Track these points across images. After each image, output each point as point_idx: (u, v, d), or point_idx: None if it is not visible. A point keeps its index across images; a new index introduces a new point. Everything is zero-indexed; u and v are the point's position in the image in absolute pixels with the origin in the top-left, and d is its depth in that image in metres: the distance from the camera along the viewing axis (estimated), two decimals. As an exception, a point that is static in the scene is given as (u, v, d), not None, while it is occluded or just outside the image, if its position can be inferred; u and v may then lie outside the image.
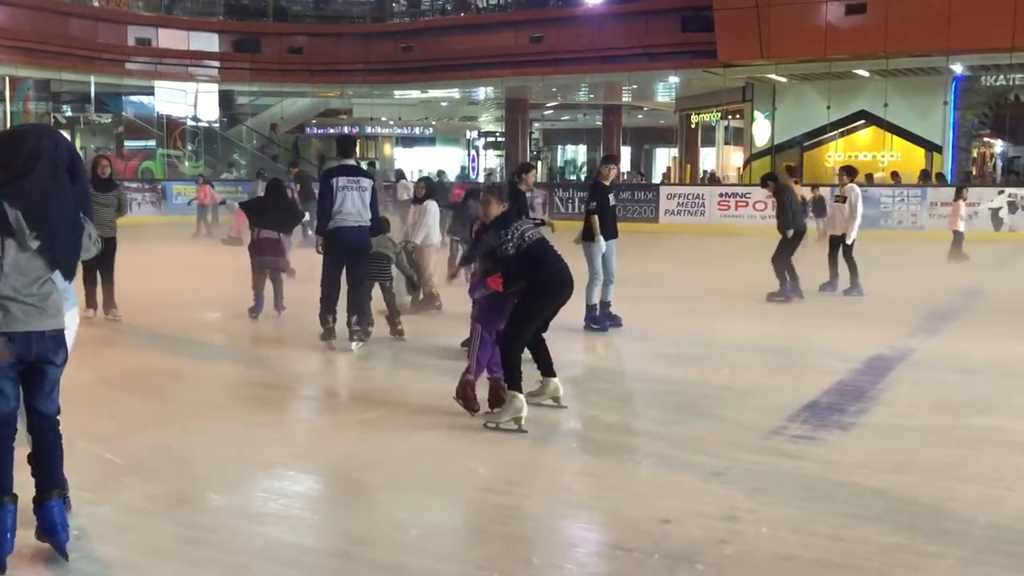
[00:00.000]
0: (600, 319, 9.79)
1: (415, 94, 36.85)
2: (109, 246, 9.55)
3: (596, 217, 9.66)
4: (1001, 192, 22.57)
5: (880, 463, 5.43)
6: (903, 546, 4.21)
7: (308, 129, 40.41)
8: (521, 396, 5.99)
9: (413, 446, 5.80)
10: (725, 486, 5.00)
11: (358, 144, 45.53)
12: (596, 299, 9.79)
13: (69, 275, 4.04)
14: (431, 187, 11.42)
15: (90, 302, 9.94)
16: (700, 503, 4.76)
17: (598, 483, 5.29)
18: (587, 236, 9.75)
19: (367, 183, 8.73)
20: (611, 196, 10.04)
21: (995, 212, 21.70)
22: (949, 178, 26.31)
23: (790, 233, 12.06)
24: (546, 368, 6.49)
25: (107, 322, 9.96)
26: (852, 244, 12.50)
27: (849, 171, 13.09)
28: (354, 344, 8.55)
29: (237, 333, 10.03)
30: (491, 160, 46.90)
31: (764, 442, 5.83)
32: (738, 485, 5.01)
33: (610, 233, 9.83)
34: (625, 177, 33.87)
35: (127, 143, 34.97)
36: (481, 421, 6.16)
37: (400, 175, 25.98)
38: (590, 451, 5.89)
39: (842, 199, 12.66)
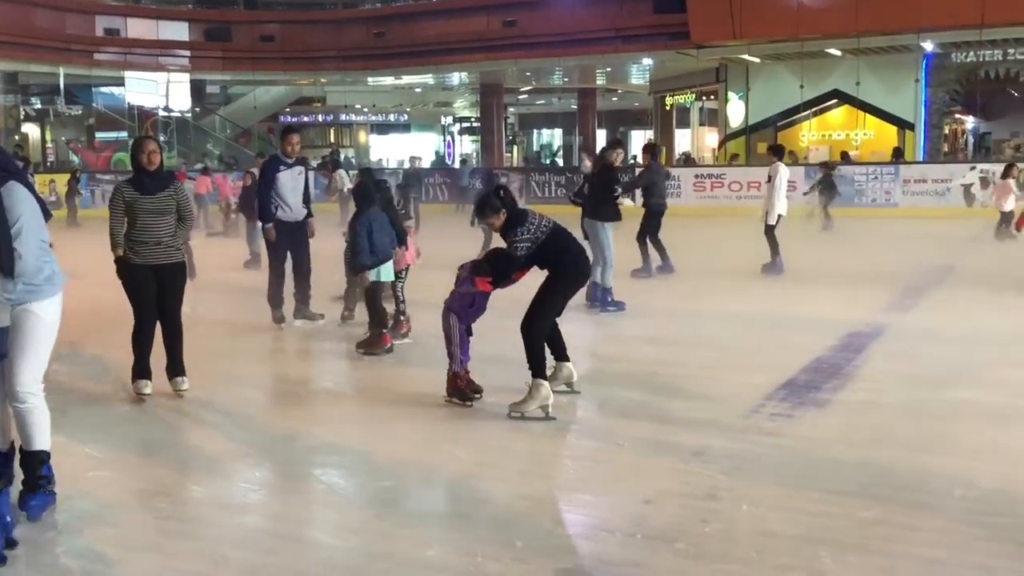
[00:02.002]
0: (608, 302, 9.97)
1: (389, 81, 36.64)
2: (167, 275, 6.55)
3: (628, 196, 9.95)
4: (973, 168, 22.75)
5: (857, 439, 5.49)
6: (881, 520, 4.26)
7: (282, 118, 40.12)
8: (547, 384, 5.97)
9: (392, 433, 5.80)
10: (705, 465, 5.04)
11: (332, 132, 45.47)
12: (611, 281, 10.01)
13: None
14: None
15: (144, 372, 6.66)
16: (680, 483, 4.79)
17: (579, 465, 5.31)
18: (606, 217, 10.00)
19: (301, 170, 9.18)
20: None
21: (967, 188, 21.90)
22: (921, 155, 26.53)
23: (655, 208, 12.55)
24: (560, 353, 6.45)
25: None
26: (776, 222, 12.57)
27: (775, 150, 13.29)
28: (297, 322, 9.31)
29: (214, 322, 9.97)
30: (467, 146, 46.77)
31: (743, 421, 5.87)
32: (718, 464, 5.05)
33: (613, 216, 10.06)
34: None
35: (98, 135, 34.59)
36: (464, 408, 6.17)
37: (336, 163, 23.16)
38: (570, 433, 5.91)
39: (768, 179, 12.82)
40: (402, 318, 8.57)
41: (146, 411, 6.41)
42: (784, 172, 12.59)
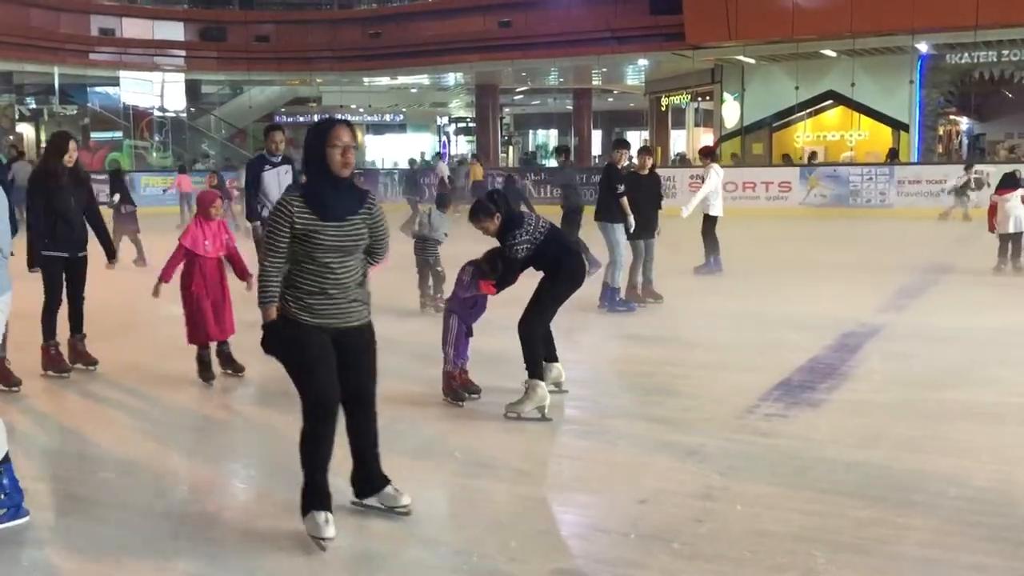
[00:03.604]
0: (616, 302, 9.96)
1: (384, 81, 36.63)
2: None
3: (625, 199, 9.89)
4: (967, 168, 22.81)
5: (852, 438, 5.50)
6: (875, 519, 4.27)
7: (277, 117, 40.07)
8: (543, 385, 5.98)
9: (388, 433, 5.78)
10: (700, 465, 5.05)
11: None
12: (620, 282, 10.00)
13: None
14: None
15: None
16: (676, 482, 4.80)
17: (574, 465, 5.32)
18: (614, 219, 9.94)
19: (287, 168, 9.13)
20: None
21: (959, 190, 21.94)
22: (916, 156, 26.57)
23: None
24: (549, 354, 6.45)
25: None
26: (714, 221, 12.62)
27: (706, 153, 13.32)
28: None
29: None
30: (462, 146, 46.77)
31: (738, 420, 5.88)
32: (713, 464, 5.06)
33: (620, 217, 10.00)
34: (596, 161, 33.91)
35: (93, 135, 34.50)
36: (460, 407, 6.18)
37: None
38: (566, 433, 5.91)
39: (700, 179, 12.91)
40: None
41: (146, 410, 6.39)
42: (716, 174, 12.62)
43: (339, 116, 42.15)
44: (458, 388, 6.28)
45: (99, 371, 7.35)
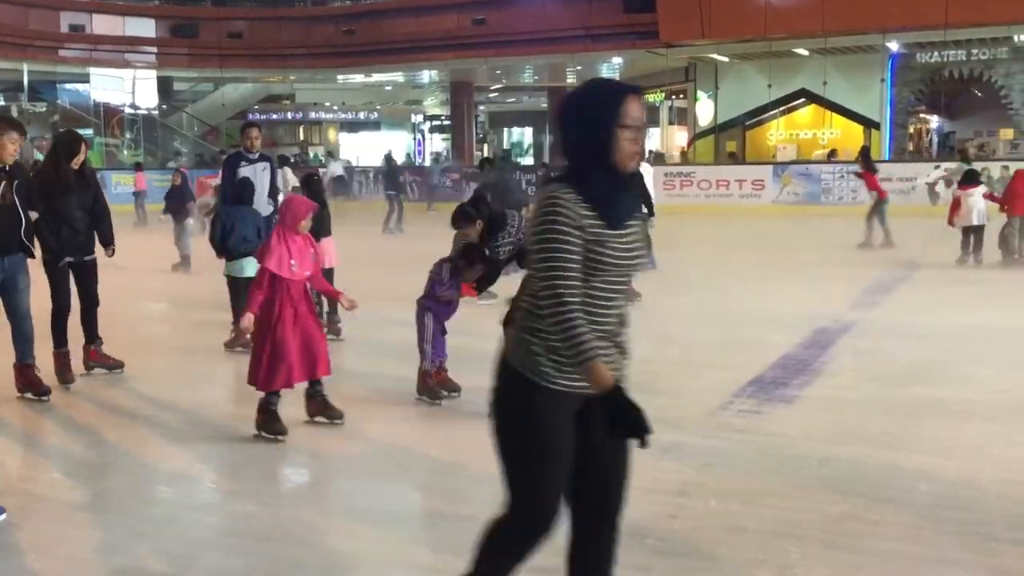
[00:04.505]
0: None
1: (359, 78, 36.50)
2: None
3: None
4: (937, 167, 23.04)
5: (824, 435, 5.55)
6: (848, 515, 4.31)
7: (251, 115, 39.81)
8: None
9: (363, 433, 5.78)
10: (675, 462, 5.07)
11: (301, 130, 45.19)
12: None
13: None
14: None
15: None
16: (650, 479, 4.80)
17: (550, 463, 5.32)
18: None
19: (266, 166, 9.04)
20: None
21: (931, 187, 22.17)
22: (887, 154, 26.83)
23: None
24: None
25: None
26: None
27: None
28: None
29: (182, 325, 9.90)
30: (437, 144, 46.67)
31: (712, 417, 5.92)
32: (687, 461, 5.09)
33: None
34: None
35: (63, 132, 34.10)
36: (439, 405, 6.17)
37: (283, 160, 21.98)
38: (541, 432, 5.91)
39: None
40: (335, 317, 8.51)
41: (110, 413, 6.34)
42: (648, 171, 12.73)
43: (313, 113, 42.02)
44: (434, 386, 6.27)
45: (96, 374, 7.21)
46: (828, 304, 9.92)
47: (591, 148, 2.68)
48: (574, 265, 2.61)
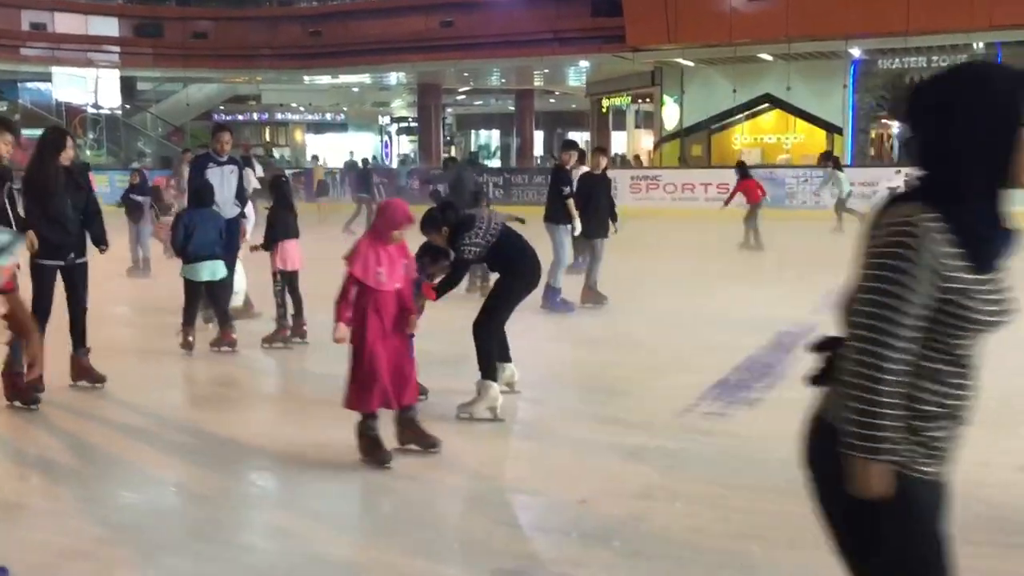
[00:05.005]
0: (557, 303, 10.06)
1: (326, 80, 36.34)
2: None
3: (571, 201, 10.05)
4: (898, 172, 23.37)
5: (787, 436, 5.53)
6: (811, 516, 4.34)
7: (216, 116, 39.51)
8: (496, 385, 6.00)
9: (331, 437, 5.77)
10: (640, 465, 5.12)
11: (267, 131, 44.93)
12: (562, 282, 10.14)
13: None
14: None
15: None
16: (616, 482, 4.86)
17: (517, 466, 5.35)
18: (559, 219, 10.13)
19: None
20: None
21: (893, 191, 22.52)
22: (849, 159, 27.16)
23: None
24: (503, 354, 6.44)
25: None
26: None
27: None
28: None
29: (157, 326, 9.80)
30: (405, 146, 46.59)
31: (677, 420, 5.97)
32: (653, 463, 5.13)
33: (566, 218, 10.16)
34: (538, 162, 34.08)
35: (24, 132, 33.43)
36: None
37: (247, 160, 22.05)
38: (509, 435, 5.94)
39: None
40: (300, 319, 8.46)
41: (73, 416, 6.28)
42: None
43: (279, 114, 41.75)
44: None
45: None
46: (791, 307, 10.02)
47: (994, 157, 2.04)
48: (910, 322, 2.07)
